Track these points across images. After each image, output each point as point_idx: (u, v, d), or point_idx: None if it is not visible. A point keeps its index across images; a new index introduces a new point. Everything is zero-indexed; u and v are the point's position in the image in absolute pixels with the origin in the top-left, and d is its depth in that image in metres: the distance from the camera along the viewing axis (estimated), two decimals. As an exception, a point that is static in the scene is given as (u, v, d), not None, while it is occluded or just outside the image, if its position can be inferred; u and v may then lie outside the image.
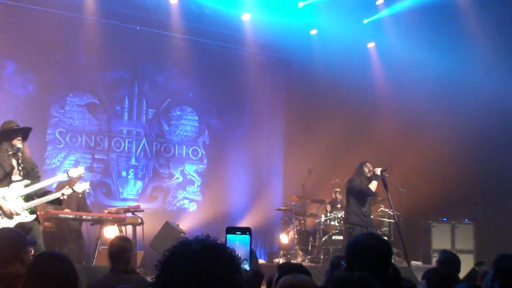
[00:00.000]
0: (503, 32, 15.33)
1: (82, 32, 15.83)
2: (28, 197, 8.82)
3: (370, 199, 12.62)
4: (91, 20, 15.70)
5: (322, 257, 14.22)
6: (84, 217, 12.61)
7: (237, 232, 2.89)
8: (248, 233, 2.90)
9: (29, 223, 8.64)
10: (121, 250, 6.87)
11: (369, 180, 12.33)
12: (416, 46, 16.68)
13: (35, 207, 8.98)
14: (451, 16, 16.12)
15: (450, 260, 7.18)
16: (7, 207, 8.55)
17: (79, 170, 10.52)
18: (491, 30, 15.51)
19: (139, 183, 17.08)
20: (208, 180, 18.01)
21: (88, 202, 14.53)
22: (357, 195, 12.29)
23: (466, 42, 15.82)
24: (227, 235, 2.88)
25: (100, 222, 12.77)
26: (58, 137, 15.88)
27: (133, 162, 17.09)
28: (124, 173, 16.88)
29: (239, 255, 2.48)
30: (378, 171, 12.20)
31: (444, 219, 15.96)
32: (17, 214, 8.62)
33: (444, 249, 10.03)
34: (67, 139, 15.99)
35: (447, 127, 16.20)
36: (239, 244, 2.86)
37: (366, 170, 12.47)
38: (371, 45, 18.55)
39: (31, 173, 9.02)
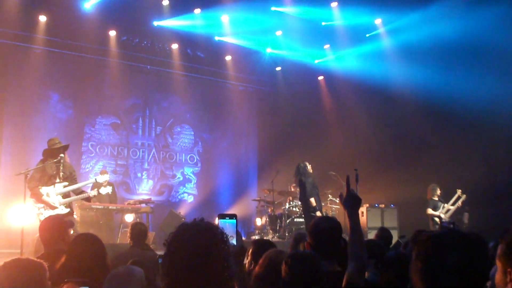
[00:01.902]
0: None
1: (107, 71, 16.03)
2: (65, 195, 9.09)
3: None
4: (113, 61, 15.87)
5: (287, 234, 14.23)
6: (110, 207, 13.02)
7: (227, 218, 3.00)
8: (234, 218, 3.04)
9: (64, 214, 8.78)
10: (139, 232, 7.03)
11: None
12: (356, 76, 16.57)
13: (70, 203, 9.20)
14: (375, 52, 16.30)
15: (385, 234, 7.53)
16: (49, 201, 8.91)
17: (105, 177, 10.83)
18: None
19: (151, 182, 17.24)
20: (201, 179, 18.19)
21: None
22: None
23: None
24: (219, 220, 2.99)
25: (121, 211, 13.16)
26: (90, 148, 16.13)
27: (145, 166, 17.26)
28: (139, 174, 17.07)
29: (227, 233, 2.58)
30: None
31: (376, 205, 15.77)
32: (56, 207, 8.90)
33: (382, 227, 10.35)
34: (97, 150, 16.24)
35: (375, 137, 16.36)
36: (228, 226, 2.95)
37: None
38: (321, 77, 18.60)
39: (69, 177, 9.29)
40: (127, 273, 3.63)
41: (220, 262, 2.38)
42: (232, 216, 3.01)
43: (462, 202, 13.20)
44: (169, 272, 2.36)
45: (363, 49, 16.74)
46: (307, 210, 12.39)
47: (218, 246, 2.39)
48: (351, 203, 2.99)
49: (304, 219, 13.04)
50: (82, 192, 9.47)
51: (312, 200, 12.22)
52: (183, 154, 18.20)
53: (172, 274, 2.35)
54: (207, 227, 2.43)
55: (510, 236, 2.26)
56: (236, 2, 14.73)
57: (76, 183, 9.44)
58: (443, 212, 13.21)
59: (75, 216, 10.74)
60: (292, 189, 15.34)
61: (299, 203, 14.72)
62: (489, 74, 13.46)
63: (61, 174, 9.17)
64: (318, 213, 12.16)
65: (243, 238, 15.59)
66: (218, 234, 2.44)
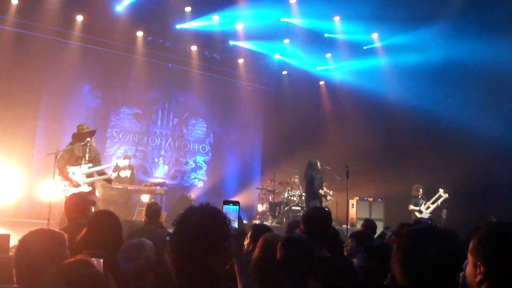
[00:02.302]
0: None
1: (133, 67, 16.08)
2: (89, 175, 9.11)
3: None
4: (139, 59, 15.99)
5: (284, 220, 14.19)
6: (129, 188, 13.06)
7: (230, 204, 2.88)
8: (237, 204, 2.89)
9: (87, 192, 8.78)
10: (154, 211, 7.03)
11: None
12: (353, 84, 16.84)
13: (93, 183, 9.21)
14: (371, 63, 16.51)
15: (370, 225, 7.52)
16: (75, 180, 9.01)
17: (125, 162, 10.98)
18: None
19: (166, 167, 17.30)
20: (211, 167, 18.21)
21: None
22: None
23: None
24: (224, 205, 2.87)
25: (139, 192, 13.23)
26: (114, 134, 16.28)
27: (162, 153, 17.31)
28: (156, 160, 17.13)
29: (229, 217, 2.60)
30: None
31: (365, 198, 16.09)
32: (79, 185, 8.97)
33: (367, 218, 10.20)
34: (120, 136, 16.38)
35: (367, 137, 16.12)
36: (231, 211, 2.84)
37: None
38: (321, 83, 18.72)
39: (94, 159, 9.30)
40: (139, 244, 3.68)
41: (222, 242, 2.40)
42: (235, 203, 2.89)
43: (442, 202, 13.26)
44: (176, 249, 2.40)
45: (360, 60, 16.86)
46: (313, 200, 12.33)
47: (221, 228, 2.42)
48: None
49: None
50: (104, 173, 9.45)
51: (320, 192, 12.33)
52: (196, 144, 18.24)
53: (178, 250, 2.38)
54: (211, 211, 2.46)
55: (481, 232, 2.25)
56: (251, 10, 14.83)
57: (100, 165, 9.45)
58: (424, 208, 13.29)
59: (97, 194, 10.86)
60: (294, 180, 15.46)
61: (297, 193, 14.87)
62: (469, 91, 13.70)
63: (87, 156, 9.16)
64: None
65: (245, 222, 15.70)
66: (221, 218, 2.46)
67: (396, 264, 2.15)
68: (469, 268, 2.24)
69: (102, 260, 3.17)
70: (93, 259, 3.13)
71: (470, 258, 2.26)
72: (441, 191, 13.32)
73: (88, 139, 9.22)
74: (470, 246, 2.27)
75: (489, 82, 13.51)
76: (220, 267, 2.41)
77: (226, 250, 2.42)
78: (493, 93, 13.34)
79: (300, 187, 15.29)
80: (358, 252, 5.11)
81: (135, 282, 3.60)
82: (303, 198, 14.62)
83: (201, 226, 2.37)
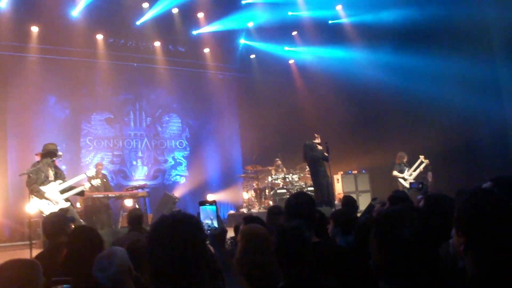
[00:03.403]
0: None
1: (98, 71, 15.88)
2: (63, 191, 9.31)
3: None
4: (103, 62, 15.80)
5: (271, 204, 13.48)
6: (110, 195, 12.93)
7: (207, 204, 2.80)
8: (214, 203, 2.83)
9: (66, 207, 9.06)
10: (135, 217, 6.93)
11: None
12: (323, 58, 17.13)
13: (68, 197, 9.41)
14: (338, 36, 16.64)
15: (348, 201, 7.28)
16: (51, 198, 9.12)
17: (92, 171, 10.88)
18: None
19: (145, 168, 17.20)
20: (191, 161, 18.14)
21: (112, 184, 14.79)
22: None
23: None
24: (200, 206, 2.82)
25: (121, 197, 13.02)
26: (88, 143, 16.05)
27: (139, 154, 17.21)
28: (134, 162, 17.02)
29: (209, 217, 2.64)
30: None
31: (349, 172, 16.19)
32: (57, 202, 9.12)
33: (345, 195, 10.32)
34: (94, 143, 16.17)
35: (344, 111, 16.31)
36: (209, 211, 2.79)
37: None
38: (291, 62, 18.80)
39: (61, 175, 9.56)
40: (109, 253, 3.60)
41: (198, 246, 2.35)
42: (212, 202, 2.81)
43: (424, 167, 13.43)
44: (151, 261, 2.34)
45: (328, 35, 16.87)
46: (324, 178, 12.35)
47: (194, 233, 2.36)
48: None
49: (315, 188, 12.70)
50: (75, 186, 9.66)
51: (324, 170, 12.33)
52: (173, 141, 18.17)
53: (154, 262, 2.33)
54: (182, 217, 2.39)
55: (460, 202, 2.26)
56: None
57: (65, 180, 9.60)
58: (407, 174, 13.47)
59: (78, 206, 10.83)
60: (277, 163, 15.58)
61: (281, 176, 14.90)
62: (441, 52, 13.72)
63: (54, 173, 9.43)
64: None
65: (233, 212, 15.76)
66: (194, 222, 2.41)
67: (374, 250, 2.13)
68: (455, 237, 2.24)
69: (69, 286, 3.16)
70: (58, 287, 3.13)
71: (455, 226, 2.25)
72: (421, 157, 13.52)
73: (53, 158, 9.45)
74: (455, 214, 2.24)
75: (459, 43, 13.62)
76: (200, 273, 2.35)
77: (204, 254, 2.36)
78: (461, 50, 13.45)
79: (284, 169, 15.36)
80: (337, 232, 5.01)
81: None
82: (288, 180, 14.71)
83: (173, 234, 2.31)
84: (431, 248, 1.96)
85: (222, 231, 2.80)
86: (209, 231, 2.73)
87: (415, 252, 1.93)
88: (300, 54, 18.29)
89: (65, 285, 3.18)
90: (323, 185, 12.27)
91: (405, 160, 13.79)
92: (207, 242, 2.55)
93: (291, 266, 3.03)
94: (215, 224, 2.78)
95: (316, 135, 12.71)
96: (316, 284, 3.06)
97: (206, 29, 16.75)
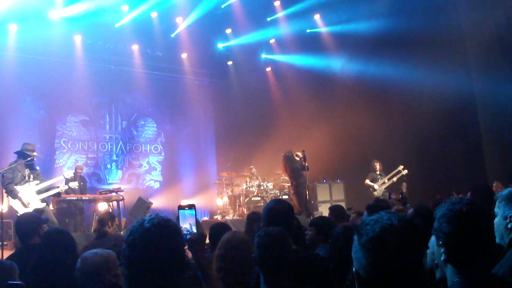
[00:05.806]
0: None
1: (74, 72, 15.63)
2: (39, 192, 9.35)
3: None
4: (80, 64, 15.66)
5: (246, 212, 13.80)
6: (83, 198, 12.67)
7: (186, 208, 2.76)
8: (193, 208, 2.79)
9: (41, 208, 8.97)
10: (100, 221, 6.68)
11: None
12: (299, 66, 17.18)
13: (44, 198, 9.50)
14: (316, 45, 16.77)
15: (336, 210, 6.83)
16: (25, 198, 9.08)
17: (70, 173, 10.98)
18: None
19: (120, 172, 17.16)
20: (166, 166, 18.13)
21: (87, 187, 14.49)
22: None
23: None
24: (179, 210, 2.78)
25: (94, 201, 12.73)
26: (63, 144, 15.95)
27: (114, 157, 17.17)
28: (109, 166, 16.98)
29: (188, 222, 2.63)
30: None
31: (324, 181, 16.04)
32: (29, 203, 9.07)
33: (333, 205, 10.54)
34: (69, 145, 16.06)
35: (322, 117, 16.30)
36: (188, 216, 2.75)
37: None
38: (268, 69, 18.87)
39: (38, 176, 9.55)
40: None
41: (176, 251, 2.34)
42: (191, 206, 2.78)
43: (399, 178, 13.47)
44: (128, 265, 2.31)
45: (305, 43, 17.01)
46: (304, 188, 12.44)
47: (172, 237, 2.35)
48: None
49: (297, 198, 12.80)
50: (51, 188, 9.72)
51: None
52: (148, 145, 18.13)
53: (130, 266, 2.31)
54: (160, 221, 2.37)
55: (440, 212, 2.26)
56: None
57: (44, 181, 9.64)
58: (379, 184, 13.49)
59: (51, 207, 10.68)
60: (252, 171, 15.47)
61: (255, 183, 14.84)
62: (416, 62, 13.85)
63: (31, 174, 9.43)
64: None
65: (206, 218, 15.64)
66: (171, 226, 2.39)
67: (358, 259, 1.99)
68: (435, 247, 2.27)
69: None
70: None
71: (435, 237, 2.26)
72: (400, 167, 13.52)
73: (31, 158, 9.41)
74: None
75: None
76: (178, 277, 2.34)
77: (182, 259, 2.36)
78: (436, 61, 13.60)
79: (259, 177, 15.32)
80: (319, 241, 4.98)
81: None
82: (263, 187, 14.67)
83: (151, 239, 2.29)
84: (419, 258, 1.94)
85: (201, 236, 2.78)
86: (188, 236, 2.71)
87: (403, 262, 1.88)
88: (277, 62, 18.38)
89: None
90: (302, 195, 12.43)
91: (378, 168, 13.84)
92: (185, 247, 2.52)
93: (273, 272, 3.02)
94: (194, 229, 2.75)
95: (299, 153, 12.70)
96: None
97: (183, 33, 16.71)
